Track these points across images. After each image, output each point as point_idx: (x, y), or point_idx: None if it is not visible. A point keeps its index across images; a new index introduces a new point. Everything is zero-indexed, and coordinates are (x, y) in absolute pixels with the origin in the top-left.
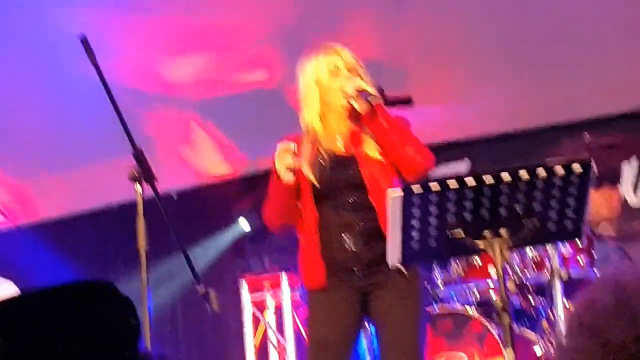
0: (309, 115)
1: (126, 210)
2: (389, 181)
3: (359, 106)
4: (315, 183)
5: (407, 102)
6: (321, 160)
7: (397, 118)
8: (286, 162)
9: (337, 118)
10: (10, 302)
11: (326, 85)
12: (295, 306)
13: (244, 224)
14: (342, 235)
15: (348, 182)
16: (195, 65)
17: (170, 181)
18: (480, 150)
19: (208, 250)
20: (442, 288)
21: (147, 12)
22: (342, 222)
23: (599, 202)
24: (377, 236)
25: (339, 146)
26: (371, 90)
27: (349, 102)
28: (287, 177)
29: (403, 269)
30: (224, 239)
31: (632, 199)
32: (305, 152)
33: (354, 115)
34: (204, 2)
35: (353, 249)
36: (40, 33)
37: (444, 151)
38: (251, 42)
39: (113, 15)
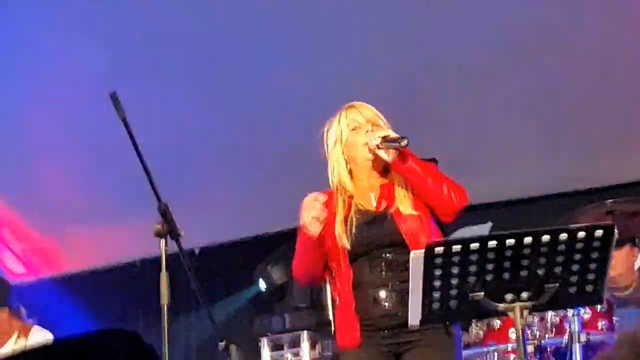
0: (338, 175)
1: (147, 265)
2: (428, 234)
3: (387, 155)
4: (347, 245)
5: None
6: (355, 218)
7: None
8: (313, 212)
9: (366, 174)
10: (41, 349)
11: (349, 142)
12: None
13: (261, 284)
14: (378, 293)
15: (383, 240)
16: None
17: (193, 238)
18: (503, 214)
19: (227, 307)
20: (462, 349)
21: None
22: (377, 280)
23: (619, 263)
24: None
25: (372, 203)
26: (395, 136)
27: (375, 153)
28: (313, 229)
29: (443, 327)
30: (244, 296)
31: None
32: (338, 210)
33: (382, 168)
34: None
35: (388, 307)
36: (72, 89)
37: (467, 213)
38: None
39: (140, 73)
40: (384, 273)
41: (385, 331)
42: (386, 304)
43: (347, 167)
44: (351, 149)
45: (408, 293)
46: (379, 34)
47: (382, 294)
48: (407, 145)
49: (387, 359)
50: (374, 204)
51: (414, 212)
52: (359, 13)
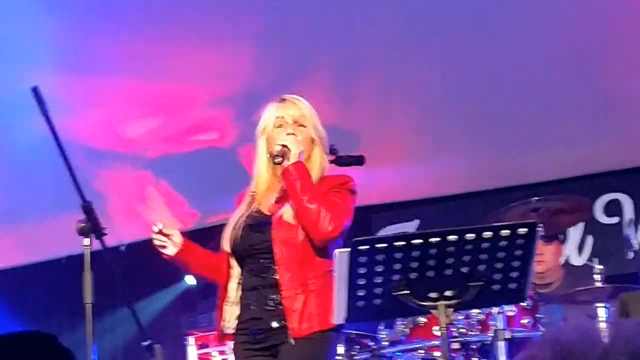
0: (256, 166)
1: (74, 262)
2: (298, 246)
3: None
4: (227, 248)
5: (359, 161)
6: (244, 220)
7: (334, 177)
8: (157, 242)
9: (279, 173)
10: None
11: (270, 138)
12: None
13: (189, 279)
14: (248, 296)
15: (259, 245)
16: (149, 125)
17: (120, 235)
18: (430, 211)
19: (155, 304)
20: (387, 347)
21: (102, 73)
22: (251, 284)
23: (548, 258)
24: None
25: (268, 206)
26: (294, 148)
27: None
28: (166, 253)
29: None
30: (171, 293)
31: (577, 260)
32: (237, 212)
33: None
34: (160, 65)
35: (254, 310)
36: None
37: (394, 211)
38: (205, 104)
39: (66, 75)
40: (255, 277)
41: (255, 335)
42: (253, 308)
43: (266, 161)
44: (271, 145)
45: (271, 299)
46: None
47: (251, 298)
48: (277, 163)
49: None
50: (270, 207)
51: (293, 222)
52: None
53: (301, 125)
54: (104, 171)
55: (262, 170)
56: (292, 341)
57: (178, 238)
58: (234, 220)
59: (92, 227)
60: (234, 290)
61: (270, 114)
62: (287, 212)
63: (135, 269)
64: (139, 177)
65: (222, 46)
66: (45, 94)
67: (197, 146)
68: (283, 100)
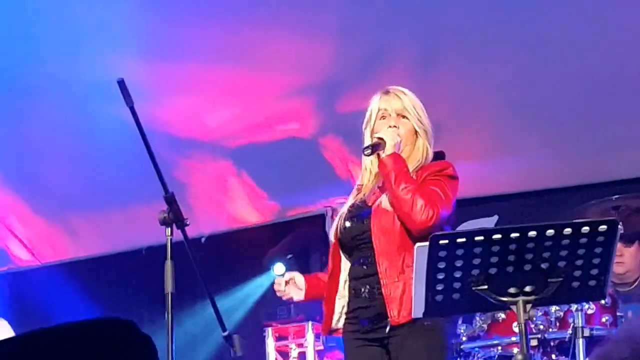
0: (364, 159)
1: (153, 253)
2: (396, 233)
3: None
4: (331, 238)
5: (439, 157)
6: (347, 212)
7: (433, 164)
8: (281, 294)
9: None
10: (31, 337)
11: (375, 129)
12: (319, 355)
13: (278, 269)
14: (358, 285)
15: (362, 235)
16: (231, 113)
17: (200, 226)
18: (509, 207)
19: (234, 296)
20: (466, 342)
21: (186, 61)
22: (359, 273)
23: (629, 260)
24: None
25: (372, 196)
26: (389, 140)
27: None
28: (294, 298)
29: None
30: (252, 285)
31: None
32: (345, 204)
33: None
34: (241, 54)
35: (365, 298)
36: (75, 76)
37: (473, 206)
38: (286, 93)
39: (151, 63)
40: (365, 267)
41: (367, 323)
42: (365, 297)
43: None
44: (373, 137)
45: (375, 288)
46: None
47: (362, 286)
48: (367, 154)
49: (378, 349)
50: (372, 197)
51: (390, 209)
52: None
53: (404, 117)
54: (186, 160)
55: (367, 163)
56: (388, 329)
57: (300, 281)
58: (341, 212)
59: (174, 217)
60: (343, 282)
61: (374, 106)
62: (385, 200)
63: (213, 261)
64: (220, 167)
65: (303, 35)
66: (131, 81)
67: (278, 136)
68: (387, 92)
